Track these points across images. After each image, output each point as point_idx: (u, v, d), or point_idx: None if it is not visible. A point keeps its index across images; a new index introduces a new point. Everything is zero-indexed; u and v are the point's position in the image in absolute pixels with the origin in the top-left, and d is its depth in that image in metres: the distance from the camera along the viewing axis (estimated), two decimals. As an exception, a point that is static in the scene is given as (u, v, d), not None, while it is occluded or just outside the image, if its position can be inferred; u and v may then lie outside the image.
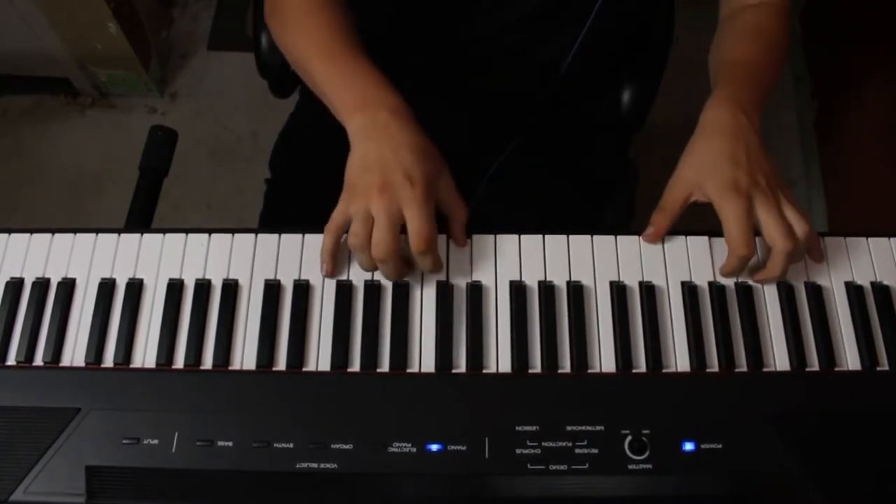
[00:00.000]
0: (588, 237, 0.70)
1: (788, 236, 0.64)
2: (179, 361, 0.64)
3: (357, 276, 0.67)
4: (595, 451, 0.60)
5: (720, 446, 0.61)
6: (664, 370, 0.65)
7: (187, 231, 0.70)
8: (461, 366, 0.64)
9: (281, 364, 0.64)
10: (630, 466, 0.60)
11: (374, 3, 0.82)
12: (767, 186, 0.65)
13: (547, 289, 0.67)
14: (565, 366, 0.64)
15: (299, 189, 0.95)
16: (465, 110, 0.94)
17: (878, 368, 0.66)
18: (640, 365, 0.65)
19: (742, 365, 0.65)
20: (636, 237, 0.70)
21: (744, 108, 0.69)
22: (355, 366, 0.64)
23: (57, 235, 0.69)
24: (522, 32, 0.84)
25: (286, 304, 0.66)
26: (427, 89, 0.83)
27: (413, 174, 0.62)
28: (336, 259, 0.66)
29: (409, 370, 0.64)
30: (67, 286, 0.67)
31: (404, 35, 0.88)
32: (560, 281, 0.68)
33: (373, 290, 0.67)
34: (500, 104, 0.94)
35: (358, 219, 0.62)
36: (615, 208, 0.99)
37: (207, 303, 0.66)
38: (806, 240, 0.65)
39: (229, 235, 0.69)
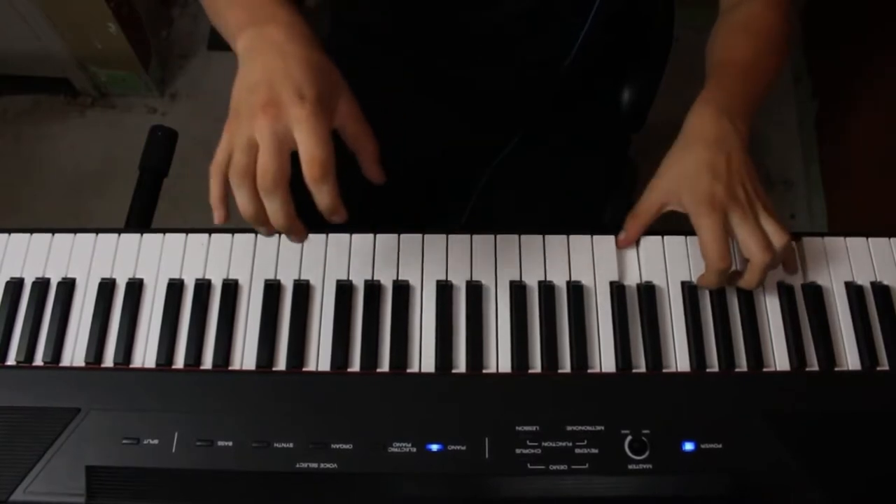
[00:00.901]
0: (588, 237, 0.70)
1: (766, 249, 0.63)
2: (179, 361, 0.64)
3: (357, 276, 0.67)
4: (595, 451, 0.60)
5: (720, 446, 0.61)
6: (664, 370, 0.65)
7: (187, 231, 0.70)
8: (461, 366, 0.64)
9: (281, 364, 0.64)
10: (630, 466, 0.60)
11: None
12: (745, 199, 0.64)
13: (547, 289, 0.67)
14: (565, 366, 0.64)
15: (298, 189, 0.95)
16: (465, 106, 0.94)
17: (878, 368, 0.66)
18: (640, 365, 0.65)
19: (742, 365, 0.65)
20: (636, 237, 0.70)
21: (729, 114, 0.67)
22: (355, 366, 0.64)
23: (57, 235, 0.69)
24: (523, 26, 0.84)
25: (286, 304, 0.66)
26: (427, 84, 0.83)
27: (304, 90, 0.54)
28: (227, 205, 0.57)
29: (409, 370, 0.64)
30: (67, 286, 0.67)
31: (403, 28, 0.88)
32: (560, 281, 0.68)
33: (373, 290, 0.67)
34: (500, 100, 0.94)
35: (240, 147, 0.54)
36: (614, 208, 0.99)
37: (207, 303, 0.66)
38: (783, 251, 0.64)
39: (229, 235, 0.69)
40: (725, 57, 0.75)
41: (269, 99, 0.53)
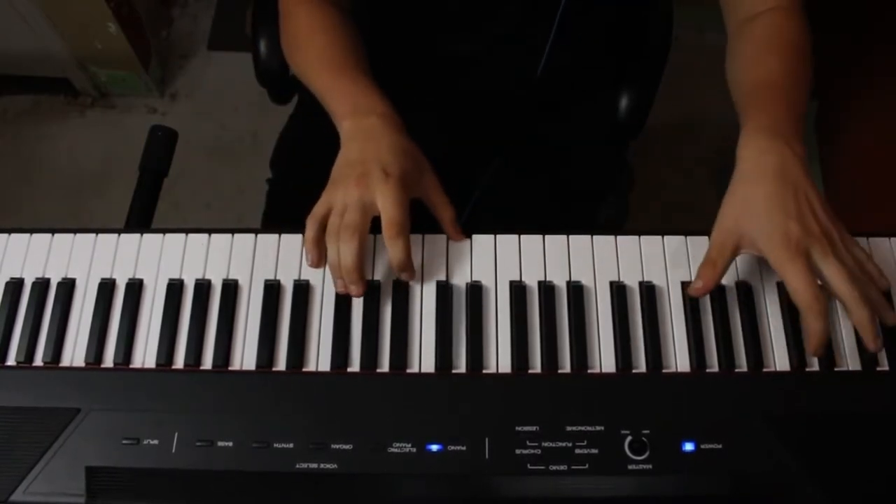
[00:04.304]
0: (588, 237, 0.70)
1: (852, 281, 0.62)
2: (179, 361, 0.64)
3: (357, 276, 0.67)
4: (595, 451, 0.60)
5: (720, 446, 0.61)
6: (664, 370, 0.65)
7: (187, 231, 0.70)
8: (461, 366, 0.64)
9: (281, 364, 0.64)
10: (630, 466, 0.60)
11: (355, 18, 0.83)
12: (821, 232, 0.62)
13: (547, 289, 0.67)
14: (565, 366, 0.65)
15: (301, 189, 0.95)
16: (461, 109, 0.94)
17: (878, 368, 0.66)
18: (640, 365, 0.65)
19: (742, 365, 0.65)
20: (636, 237, 0.70)
21: (784, 138, 0.65)
22: (355, 366, 0.64)
23: (57, 235, 0.69)
24: (501, 45, 0.84)
25: (286, 304, 0.66)
26: (411, 103, 0.83)
27: (390, 168, 0.65)
28: (319, 249, 0.66)
29: (409, 370, 0.64)
30: (67, 286, 0.67)
31: (383, 50, 0.88)
32: (560, 281, 0.68)
33: (373, 290, 0.67)
34: (491, 103, 0.93)
35: (336, 212, 0.65)
36: (610, 209, 0.99)
37: (207, 303, 0.66)
38: (870, 275, 0.64)
39: (229, 235, 0.69)
40: (759, 78, 0.71)
41: (361, 173, 0.64)
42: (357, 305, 0.66)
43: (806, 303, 0.61)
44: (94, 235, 0.69)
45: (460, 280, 0.68)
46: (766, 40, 0.74)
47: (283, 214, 0.95)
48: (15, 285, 0.67)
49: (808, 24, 0.75)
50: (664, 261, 0.69)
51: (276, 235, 0.70)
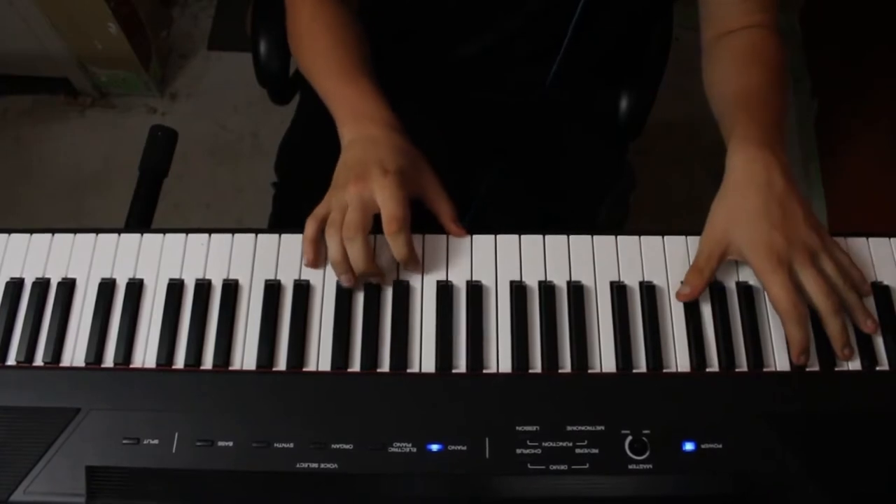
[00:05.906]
0: (588, 237, 0.70)
1: (829, 294, 0.64)
2: (179, 361, 0.64)
3: (357, 276, 0.67)
4: (595, 451, 0.60)
5: (720, 446, 0.61)
6: (664, 370, 0.65)
7: (187, 231, 0.70)
8: (461, 366, 0.64)
9: (281, 364, 0.64)
10: (630, 466, 0.60)
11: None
12: (803, 242, 0.64)
13: (547, 289, 0.67)
14: (565, 366, 0.65)
15: (307, 192, 0.95)
16: (462, 115, 0.94)
17: (878, 368, 0.66)
18: (641, 365, 0.65)
19: (742, 365, 0.65)
20: (636, 237, 0.70)
21: (771, 148, 0.67)
22: (355, 366, 0.64)
23: (57, 235, 0.69)
24: (505, 52, 0.84)
25: (286, 304, 0.66)
26: (413, 105, 0.84)
27: (387, 166, 0.66)
28: (316, 248, 0.67)
29: (409, 370, 0.64)
30: (67, 286, 0.67)
31: (386, 52, 0.89)
32: (560, 281, 0.68)
33: (373, 290, 0.67)
34: (494, 110, 0.93)
35: (335, 208, 0.66)
36: (610, 209, 0.99)
37: (207, 303, 0.66)
38: (853, 281, 0.66)
39: (229, 235, 0.69)
40: (743, 89, 0.73)
41: (360, 173, 0.66)
42: (357, 305, 0.66)
43: (785, 310, 0.63)
44: (94, 235, 0.69)
45: (460, 280, 0.68)
46: (747, 53, 0.76)
47: (290, 218, 0.95)
48: (15, 285, 0.67)
49: (784, 43, 0.76)
50: (664, 261, 0.69)
51: (276, 235, 0.70)
